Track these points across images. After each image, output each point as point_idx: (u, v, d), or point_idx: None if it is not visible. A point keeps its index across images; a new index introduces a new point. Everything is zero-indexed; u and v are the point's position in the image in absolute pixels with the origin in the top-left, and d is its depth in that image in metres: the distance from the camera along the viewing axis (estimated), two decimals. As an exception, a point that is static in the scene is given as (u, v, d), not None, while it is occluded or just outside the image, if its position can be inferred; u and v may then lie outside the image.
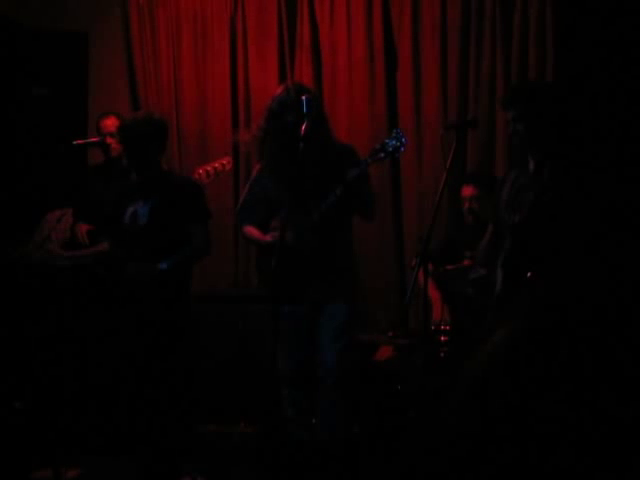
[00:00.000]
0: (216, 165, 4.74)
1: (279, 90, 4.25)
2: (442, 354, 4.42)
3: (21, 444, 4.38)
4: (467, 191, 4.86)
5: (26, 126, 5.58)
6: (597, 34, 4.86)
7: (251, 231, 4.38)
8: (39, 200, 5.33)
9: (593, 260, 3.50)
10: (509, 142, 5.12)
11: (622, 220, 3.62)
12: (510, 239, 3.66)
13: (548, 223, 3.54)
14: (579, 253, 3.51)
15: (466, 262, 4.61)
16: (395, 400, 4.57)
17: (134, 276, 4.19)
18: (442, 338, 4.47)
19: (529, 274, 3.52)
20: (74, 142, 4.64)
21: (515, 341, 3.47)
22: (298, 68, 5.73)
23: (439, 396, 3.84)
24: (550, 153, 3.63)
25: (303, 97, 3.89)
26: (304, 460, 4.14)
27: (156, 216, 4.32)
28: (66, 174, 5.44)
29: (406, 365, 4.57)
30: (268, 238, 4.24)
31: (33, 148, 5.54)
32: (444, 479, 3.21)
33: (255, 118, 5.65)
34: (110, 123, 5.14)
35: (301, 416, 4.25)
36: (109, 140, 5.12)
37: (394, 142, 3.95)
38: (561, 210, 3.53)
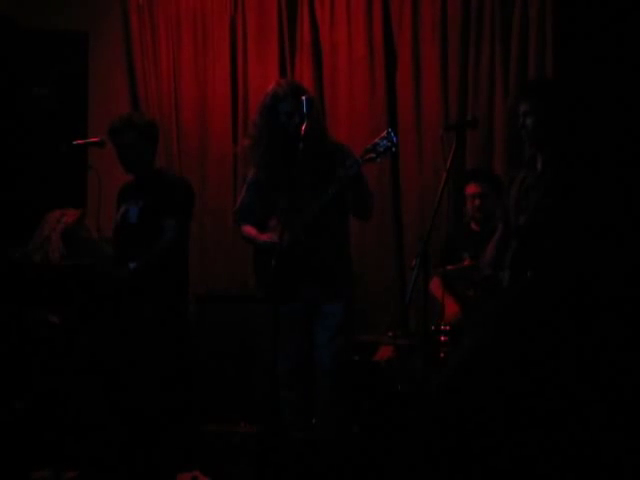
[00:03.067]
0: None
1: (271, 86, 4.27)
2: (442, 354, 4.42)
3: (21, 444, 4.37)
4: (472, 189, 4.85)
5: (26, 126, 5.58)
6: (597, 34, 4.86)
7: (248, 230, 4.38)
8: (39, 200, 5.32)
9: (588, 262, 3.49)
10: (508, 142, 5.13)
11: (625, 222, 3.62)
12: (516, 240, 3.66)
13: (551, 225, 3.54)
14: (574, 255, 3.51)
15: (466, 262, 4.61)
16: (395, 400, 4.57)
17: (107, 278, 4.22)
18: (442, 338, 4.47)
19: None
20: (74, 142, 4.63)
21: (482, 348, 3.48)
22: (298, 68, 5.73)
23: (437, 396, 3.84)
24: (557, 151, 3.63)
25: (303, 97, 3.90)
26: (304, 460, 4.14)
27: (145, 215, 4.34)
28: (66, 174, 5.44)
29: (406, 365, 4.57)
30: (264, 238, 4.23)
31: (33, 148, 5.54)
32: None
33: (252, 119, 5.66)
34: None
35: (300, 416, 4.25)
36: None
37: (385, 142, 3.94)
38: (563, 212, 3.53)
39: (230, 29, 5.92)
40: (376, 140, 3.98)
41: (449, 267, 4.59)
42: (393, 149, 3.97)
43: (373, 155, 3.97)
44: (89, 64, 5.93)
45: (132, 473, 4.24)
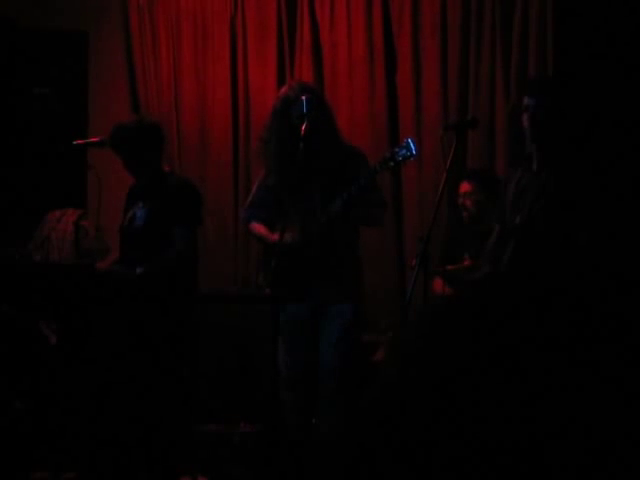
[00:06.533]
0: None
1: (282, 89, 4.25)
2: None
3: (21, 444, 4.37)
4: (463, 187, 4.86)
5: (26, 126, 5.58)
6: (597, 34, 4.86)
7: (258, 228, 4.35)
8: (39, 200, 5.32)
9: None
10: (509, 142, 5.13)
11: (622, 224, 3.61)
12: (513, 241, 3.66)
13: (547, 225, 3.53)
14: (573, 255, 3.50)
15: (466, 262, 4.61)
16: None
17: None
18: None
19: None
20: (74, 142, 4.63)
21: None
22: (298, 68, 5.73)
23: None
24: (556, 150, 3.62)
25: (303, 97, 3.88)
26: (304, 460, 4.14)
27: (152, 219, 4.32)
28: (66, 174, 5.44)
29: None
30: (276, 237, 4.19)
31: (33, 148, 5.54)
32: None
33: (255, 118, 5.67)
34: None
35: (300, 417, 4.24)
36: None
37: (404, 152, 3.88)
38: (559, 212, 3.52)
39: (230, 29, 5.91)
40: (395, 149, 3.93)
41: (449, 267, 4.59)
42: (412, 159, 3.92)
43: (392, 164, 3.92)
44: (89, 64, 5.93)
45: (132, 475, 4.24)
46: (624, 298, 0.78)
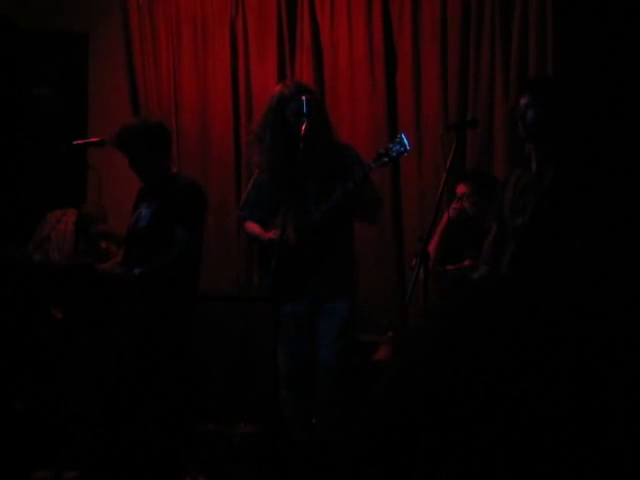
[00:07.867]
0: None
1: (278, 87, 4.26)
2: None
3: (21, 444, 4.37)
4: (459, 189, 4.86)
5: (26, 126, 5.58)
6: (597, 34, 4.86)
7: (252, 227, 4.36)
8: (39, 200, 5.33)
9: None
10: (509, 142, 5.13)
11: (624, 223, 3.61)
12: (514, 242, 3.65)
13: (550, 226, 3.53)
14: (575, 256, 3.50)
15: (466, 262, 4.60)
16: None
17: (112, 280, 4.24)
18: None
19: None
20: (74, 142, 4.64)
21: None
22: (298, 68, 5.73)
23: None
24: (555, 149, 3.61)
25: (303, 97, 3.89)
26: (304, 460, 4.14)
27: (156, 219, 4.33)
28: (66, 174, 5.44)
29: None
30: (270, 235, 4.21)
31: (33, 148, 5.54)
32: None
33: (256, 118, 5.67)
34: None
35: (300, 416, 4.25)
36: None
37: (398, 147, 3.91)
38: (563, 212, 3.52)
39: (230, 29, 5.91)
40: (389, 144, 3.96)
41: (449, 267, 4.59)
42: (405, 154, 3.95)
43: (386, 159, 3.95)
44: (89, 64, 5.94)
45: (133, 474, 4.24)
46: (626, 300, 0.78)
